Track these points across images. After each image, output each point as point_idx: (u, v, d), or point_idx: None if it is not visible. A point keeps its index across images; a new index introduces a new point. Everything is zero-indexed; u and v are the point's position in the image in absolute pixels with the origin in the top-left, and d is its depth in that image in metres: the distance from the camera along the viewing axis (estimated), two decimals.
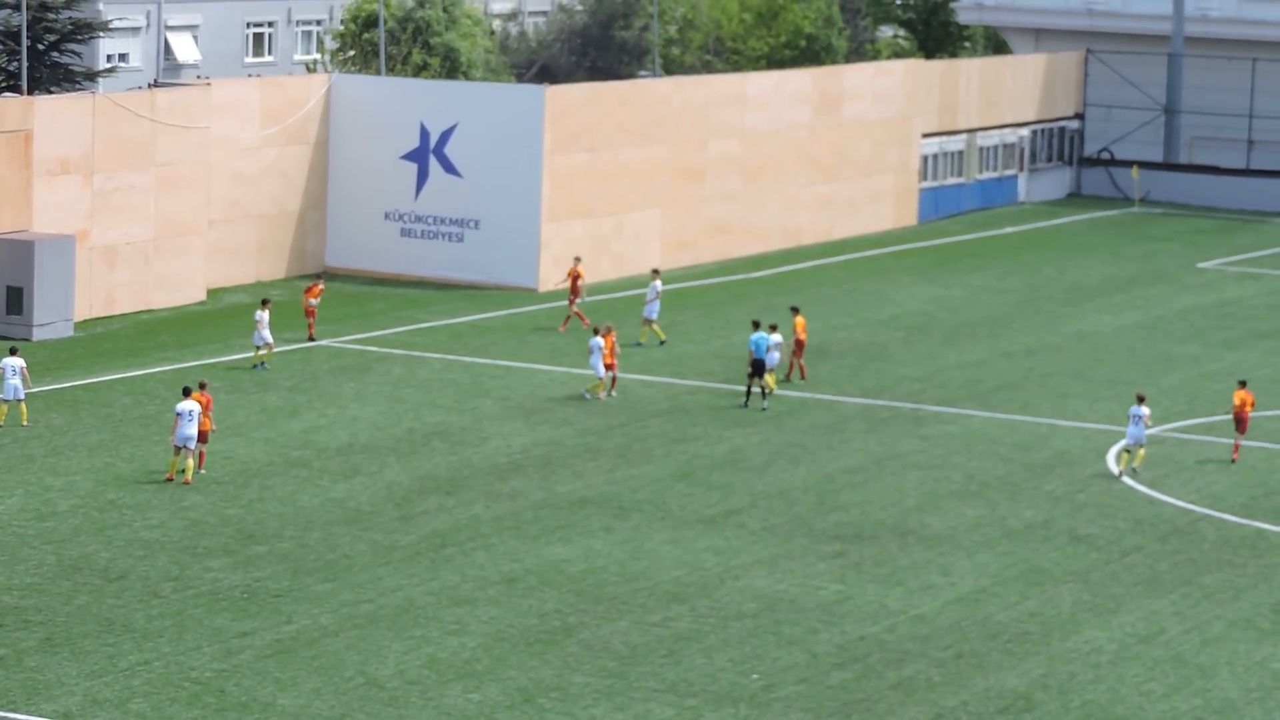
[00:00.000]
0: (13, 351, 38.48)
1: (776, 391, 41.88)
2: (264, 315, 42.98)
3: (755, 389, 41.39)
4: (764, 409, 41.01)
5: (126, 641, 27.21)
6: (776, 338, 41.68)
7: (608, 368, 41.25)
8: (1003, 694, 26.60)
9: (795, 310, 43.85)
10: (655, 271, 48.52)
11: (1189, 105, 74.24)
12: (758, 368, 41.06)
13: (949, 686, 26.76)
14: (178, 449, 34.65)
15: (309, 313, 45.89)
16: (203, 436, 35.22)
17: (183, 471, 34.72)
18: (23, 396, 37.95)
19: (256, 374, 42.53)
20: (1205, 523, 34.64)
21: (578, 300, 48.51)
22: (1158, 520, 34.70)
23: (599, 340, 41.21)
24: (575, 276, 48.56)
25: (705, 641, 28.05)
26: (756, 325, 41.91)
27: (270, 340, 42.97)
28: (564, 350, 46.42)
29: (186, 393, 35.21)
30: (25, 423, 37.82)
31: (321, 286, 46.82)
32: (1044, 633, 28.95)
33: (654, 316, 47.22)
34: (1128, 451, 37.20)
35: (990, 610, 29.81)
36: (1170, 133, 74.48)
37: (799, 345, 43.30)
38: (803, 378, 43.04)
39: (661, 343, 46.74)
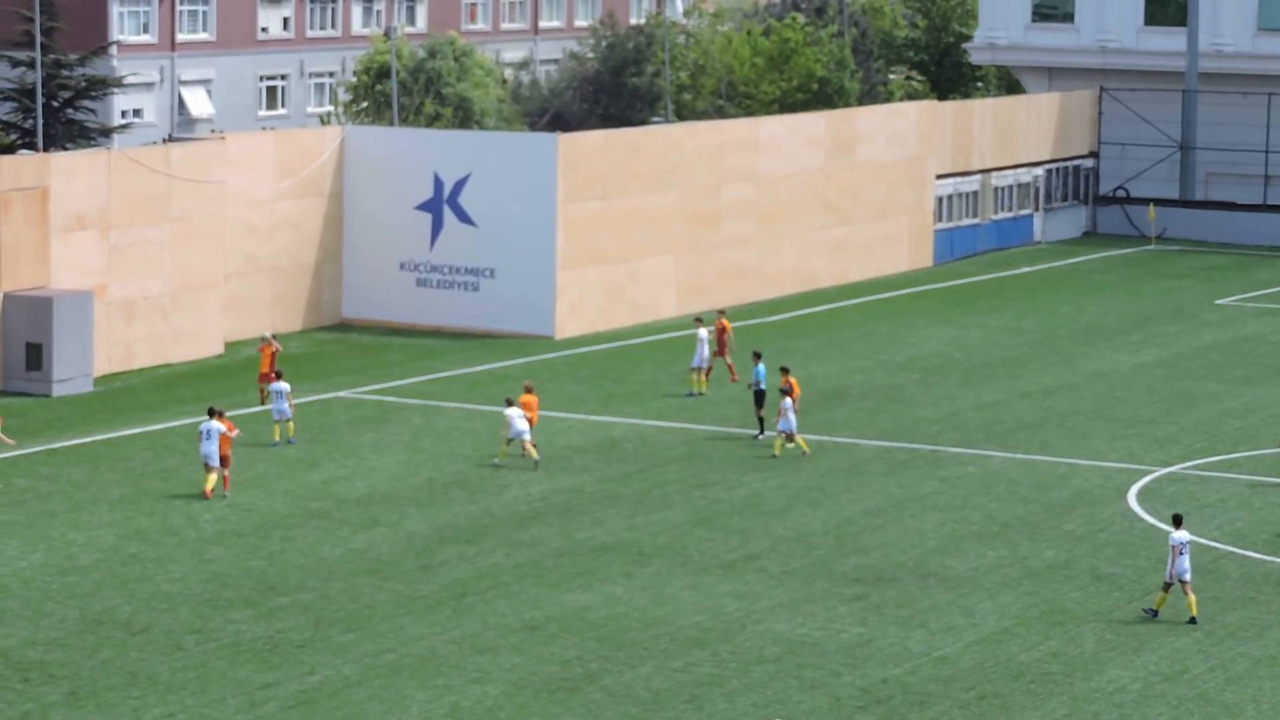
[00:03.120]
0: None
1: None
2: (282, 386, 41.21)
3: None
4: (758, 439, 41.74)
5: (151, 694, 27.21)
6: (788, 401, 40.96)
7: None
8: None
9: (785, 371, 42.15)
10: (699, 320, 47.95)
11: (1204, 141, 74.27)
12: (759, 398, 42.09)
13: None
14: (205, 466, 36.62)
15: (265, 377, 43.49)
16: (224, 460, 36.69)
17: (206, 482, 36.50)
18: None
19: (276, 427, 42.06)
20: (1228, 560, 34.52)
21: (729, 353, 47.58)
22: None
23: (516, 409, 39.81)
24: (722, 330, 47.76)
25: (728, 686, 27.99)
26: (758, 357, 43.18)
27: (290, 414, 41.06)
28: (581, 398, 46.47)
29: (210, 413, 37.22)
30: None
31: (275, 348, 44.48)
32: (1067, 673, 28.85)
33: (701, 364, 46.57)
34: None
35: (1013, 651, 29.72)
36: (1186, 169, 74.49)
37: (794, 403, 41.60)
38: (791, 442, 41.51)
39: (692, 394, 46.32)
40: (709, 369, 47.16)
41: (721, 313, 49.10)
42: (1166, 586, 31.12)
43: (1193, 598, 31.03)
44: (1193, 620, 30.87)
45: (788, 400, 40.84)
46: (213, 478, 36.77)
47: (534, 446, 39.72)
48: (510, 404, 40.31)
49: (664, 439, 42.24)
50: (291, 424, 41.26)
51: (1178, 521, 31.53)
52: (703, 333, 46.97)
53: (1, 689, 27.35)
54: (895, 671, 28.67)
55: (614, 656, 29.05)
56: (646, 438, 42.36)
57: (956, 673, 28.70)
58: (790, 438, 40.86)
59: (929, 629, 30.54)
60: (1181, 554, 30.94)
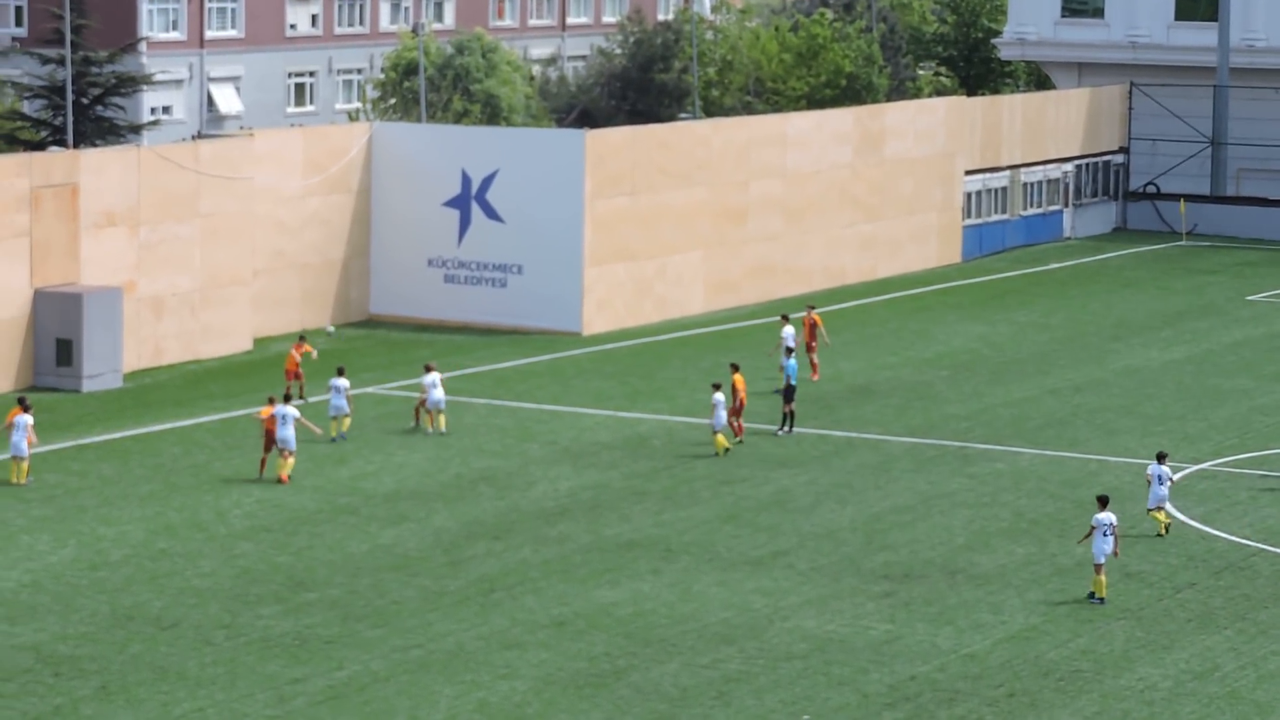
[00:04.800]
0: (26, 408, 37.99)
1: (731, 448, 40.28)
2: (341, 382, 41.25)
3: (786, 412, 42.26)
4: (778, 434, 41.71)
5: (180, 689, 27.28)
6: (719, 396, 40.49)
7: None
8: None
9: (735, 368, 41.90)
10: (785, 317, 47.71)
11: (1235, 137, 73.97)
12: (789, 393, 42.10)
13: None
14: (283, 451, 37.62)
15: (293, 373, 43.89)
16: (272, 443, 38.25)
17: (282, 469, 37.60)
18: (25, 454, 37.35)
19: (333, 422, 41.77)
20: (1260, 558, 34.37)
21: (816, 348, 47.37)
22: (1211, 556, 34.46)
23: (434, 375, 41.80)
24: (813, 324, 47.63)
25: (755, 683, 27.95)
26: (789, 352, 43.32)
27: (348, 410, 41.23)
28: (609, 394, 46.46)
29: (287, 399, 38.51)
30: (24, 480, 37.36)
31: (307, 346, 44.87)
32: (1097, 670, 28.76)
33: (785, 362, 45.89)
34: None
35: (1042, 648, 29.63)
36: (1217, 165, 74.21)
37: (739, 404, 41.04)
38: (738, 438, 40.89)
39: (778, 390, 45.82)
40: (815, 365, 47.30)
41: (811, 307, 48.99)
42: (1098, 568, 31.56)
43: (1103, 579, 31.49)
44: (1100, 600, 31.33)
45: (719, 396, 40.45)
46: (291, 461, 37.75)
47: (445, 419, 41.68)
48: (429, 370, 41.97)
49: (691, 435, 42.18)
50: (347, 420, 41.31)
51: (1103, 503, 32.09)
52: (787, 330, 46.54)
53: (32, 683, 27.45)
54: (924, 668, 28.61)
55: (641, 653, 29.04)
56: (674, 434, 42.33)
57: (985, 670, 28.62)
58: (720, 433, 40.33)
59: (957, 626, 30.47)
60: (1106, 535, 31.51)
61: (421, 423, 42.00)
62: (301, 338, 46.18)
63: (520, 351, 51.40)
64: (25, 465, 37.56)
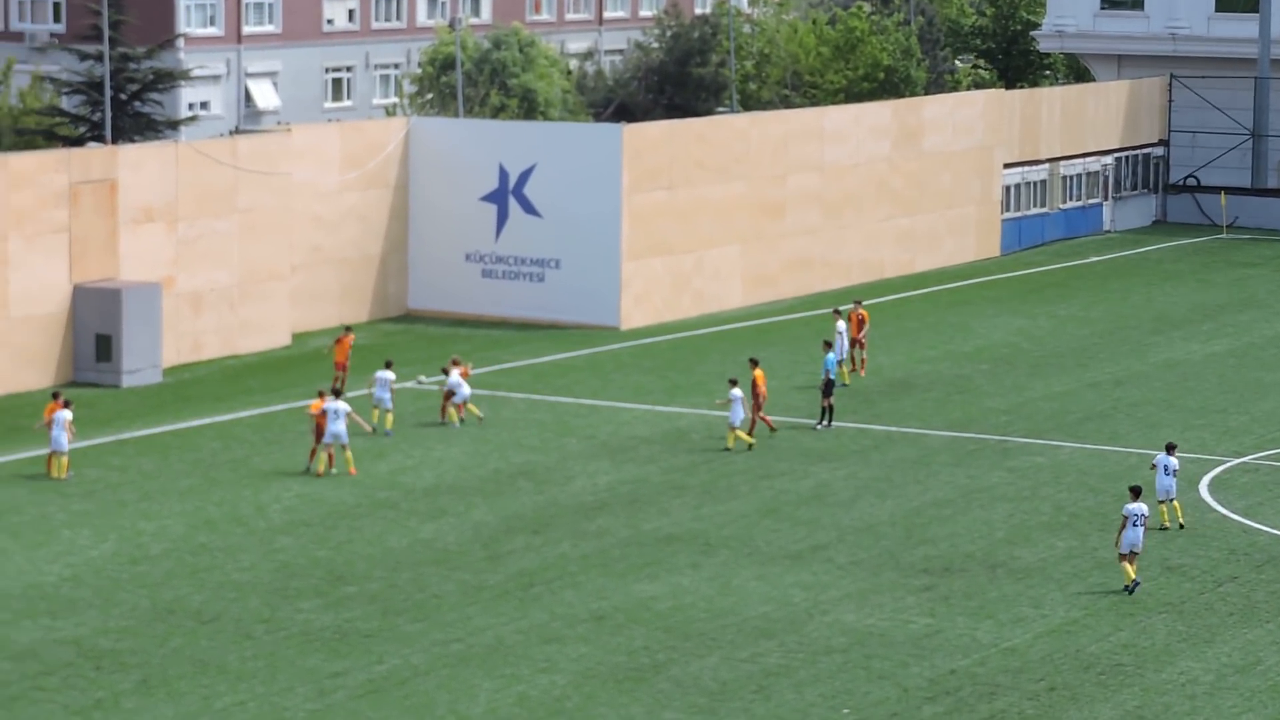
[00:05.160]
0: (65, 404, 38.14)
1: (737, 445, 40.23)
2: (387, 375, 41.48)
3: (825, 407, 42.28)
4: (816, 429, 41.78)
5: (221, 683, 27.36)
6: (736, 391, 40.31)
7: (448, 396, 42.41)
8: None
9: (754, 363, 41.80)
10: (837, 312, 47.68)
11: (1276, 129, 73.52)
12: (828, 387, 42.09)
13: (1042, 719, 26.52)
14: (327, 446, 37.71)
15: (341, 365, 44.37)
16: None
17: (345, 462, 38.02)
18: (65, 449, 37.55)
19: (375, 412, 41.88)
20: None
21: (864, 344, 47.38)
22: (1252, 549, 34.28)
23: (456, 374, 42.27)
24: (861, 320, 47.45)
25: (795, 677, 27.90)
26: (828, 346, 43.32)
27: (389, 404, 41.38)
28: (647, 388, 46.43)
29: (337, 394, 39.08)
30: (64, 475, 37.54)
31: (351, 339, 45.30)
32: (1138, 664, 28.63)
33: (843, 356, 45.86)
34: None
35: (1083, 642, 29.51)
36: (1257, 157, 73.78)
37: (759, 400, 40.93)
38: (772, 430, 41.05)
39: (843, 385, 45.49)
40: (864, 361, 47.40)
41: (858, 302, 48.96)
42: (1121, 558, 31.64)
43: (1128, 567, 31.50)
44: (1136, 582, 31.46)
45: (736, 391, 40.25)
46: (348, 454, 38.00)
47: (475, 407, 42.41)
48: (448, 371, 42.46)
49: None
50: (390, 415, 41.43)
51: (1135, 493, 32.06)
52: (841, 325, 46.54)
53: (74, 677, 27.57)
54: (964, 662, 28.52)
55: (681, 647, 29.01)
56: (712, 428, 42.27)
57: (1026, 664, 28.52)
58: (748, 430, 40.27)
59: (998, 620, 30.37)
60: (1135, 525, 31.49)
61: (449, 418, 42.03)
62: (347, 329, 46.48)
63: (558, 346, 51.40)
64: (65, 460, 37.74)
